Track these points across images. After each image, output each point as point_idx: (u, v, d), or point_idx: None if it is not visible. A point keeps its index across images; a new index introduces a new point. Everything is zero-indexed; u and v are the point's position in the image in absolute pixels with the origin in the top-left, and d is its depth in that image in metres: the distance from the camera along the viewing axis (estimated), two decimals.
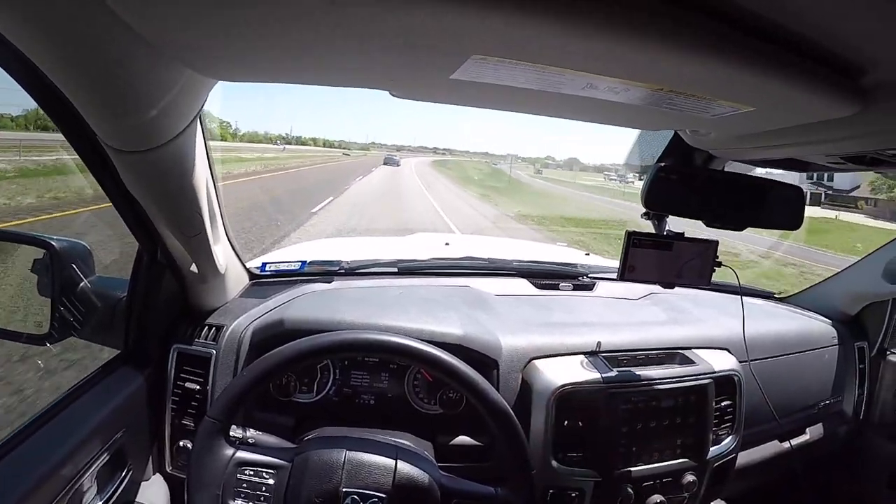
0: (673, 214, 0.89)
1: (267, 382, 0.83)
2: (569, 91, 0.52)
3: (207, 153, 0.78)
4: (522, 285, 1.29)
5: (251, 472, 0.74)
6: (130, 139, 0.59)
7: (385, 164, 37.14)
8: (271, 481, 0.74)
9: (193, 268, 0.89)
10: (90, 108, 0.54)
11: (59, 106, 0.56)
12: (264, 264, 1.20)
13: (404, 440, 0.86)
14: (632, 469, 0.94)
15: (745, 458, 1.13)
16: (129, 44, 0.44)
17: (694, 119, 0.64)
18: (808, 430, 1.30)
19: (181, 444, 0.93)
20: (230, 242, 1.01)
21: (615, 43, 0.39)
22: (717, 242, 0.92)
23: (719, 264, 0.92)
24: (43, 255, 0.88)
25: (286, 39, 0.43)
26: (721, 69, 0.43)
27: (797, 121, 0.59)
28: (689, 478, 0.98)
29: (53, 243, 0.88)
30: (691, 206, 0.85)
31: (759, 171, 1.01)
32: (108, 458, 0.78)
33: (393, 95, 0.61)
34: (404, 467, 0.75)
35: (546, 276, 1.33)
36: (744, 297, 1.14)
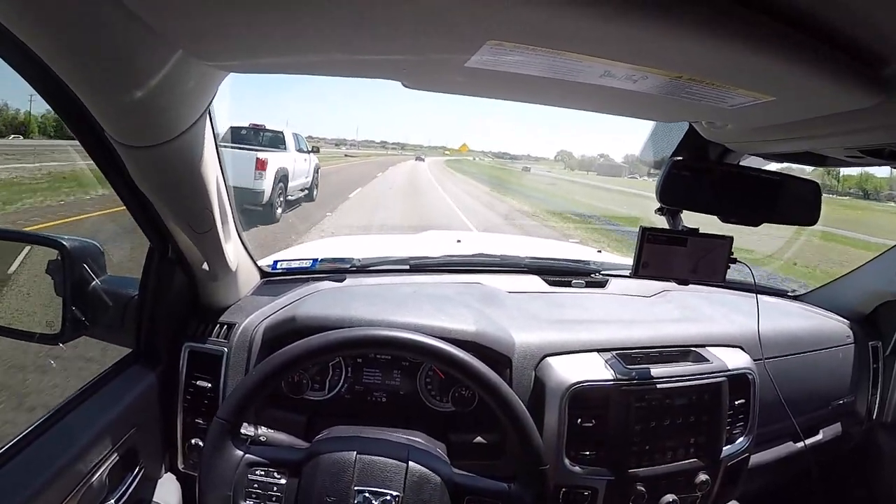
0: (687, 209, 0.88)
1: (277, 381, 0.82)
2: (585, 79, 0.51)
3: (217, 150, 0.78)
4: (535, 282, 1.28)
5: (262, 473, 0.74)
6: (138, 134, 0.58)
7: (416, 160, 51.32)
8: (283, 481, 0.73)
9: (205, 265, 0.88)
10: (96, 103, 0.53)
11: (66, 101, 0.55)
12: (276, 262, 1.20)
13: (417, 438, 0.86)
14: (645, 468, 0.93)
15: (758, 457, 1.12)
16: (134, 32, 0.43)
17: (712, 110, 0.63)
18: (821, 430, 1.28)
19: (193, 442, 0.93)
20: (241, 240, 1.01)
21: (634, 27, 0.38)
22: (731, 239, 0.90)
23: (734, 261, 0.91)
24: (56, 255, 0.88)
25: (292, 24, 0.42)
26: (742, 55, 0.42)
27: (816, 112, 0.58)
28: (702, 477, 0.97)
29: (65, 243, 0.88)
30: (706, 201, 0.84)
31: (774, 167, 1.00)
32: (119, 456, 0.77)
33: (405, 86, 0.60)
34: (416, 467, 0.75)
35: (558, 273, 1.32)
36: (758, 295, 1.13)
